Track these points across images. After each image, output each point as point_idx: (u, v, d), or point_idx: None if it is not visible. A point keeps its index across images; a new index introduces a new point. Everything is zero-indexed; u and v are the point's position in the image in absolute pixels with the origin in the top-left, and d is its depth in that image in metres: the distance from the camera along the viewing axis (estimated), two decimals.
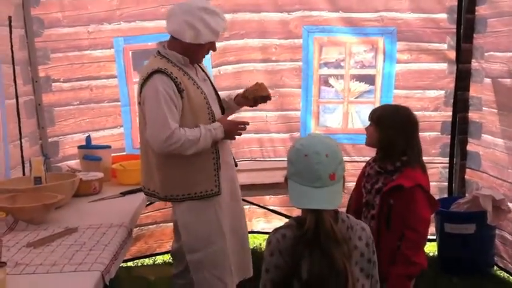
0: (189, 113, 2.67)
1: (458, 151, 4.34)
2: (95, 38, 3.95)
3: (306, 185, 1.65)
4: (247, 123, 2.87)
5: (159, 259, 4.40)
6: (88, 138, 3.66)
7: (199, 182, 2.74)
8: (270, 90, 4.35)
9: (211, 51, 2.84)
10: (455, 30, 4.19)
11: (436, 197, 4.18)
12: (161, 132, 2.58)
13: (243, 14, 4.24)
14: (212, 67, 4.17)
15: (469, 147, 4.30)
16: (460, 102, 4.27)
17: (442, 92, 4.31)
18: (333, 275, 1.62)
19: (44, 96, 3.84)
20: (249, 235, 4.49)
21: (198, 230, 2.79)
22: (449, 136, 4.34)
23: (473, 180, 4.26)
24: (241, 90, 3.05)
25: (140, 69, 2.86)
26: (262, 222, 4.73)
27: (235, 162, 3.07)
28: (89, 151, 3.57)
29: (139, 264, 4.30)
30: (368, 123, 2.55)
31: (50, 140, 3.89)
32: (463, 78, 4.23)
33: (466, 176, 4.34)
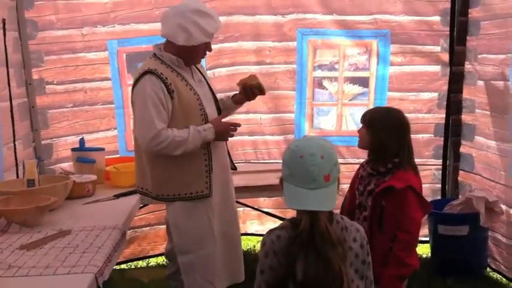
0: (180, 113, 2.69)
1: (452, 153, 4.36)
2: (89, 41, 3.95)
3: (301, 186, 1.65)
4: (239, 125, 2.88)
5: (153, 261, 4.39)
6: (82, 141, 3.65)
7: (190, 183, 2.75)
8: None
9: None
10: (448, 32, 4.21)
11: (429, 199, 4.19)
12: (147, 132, 2.61)
13: (237, 16, 4.25)
14: (206, 69, 4.16)
15: (462, 149, 4.32)
16: (454, 104, 4.29)
17: (436, 94, 4.33)
18: (328, 276, 1.62)
19: (37, 98, 3.84)
20: (243, 237, 4.53)
21: (189, 232, 2.79)
22: (443, 138, 4.36)
23: (467, 182, 4.27)
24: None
25: (134, 71, 2.88)
26: (256, 225, 4.73)
27: (233, 165, 3.07)
28: (83, 153, 3.56)
29: (132, 267, 4.29)
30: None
31: (43, 142, 3.89)
32: (456, 81, 4.25)
33: (459, 178, 4.35)
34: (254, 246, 4.58)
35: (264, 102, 4.39)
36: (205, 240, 2.80)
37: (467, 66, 4.20)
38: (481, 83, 4.04)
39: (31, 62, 3.78)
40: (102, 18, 3.95)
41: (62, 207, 2.89)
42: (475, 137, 4.15)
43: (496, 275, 3.95)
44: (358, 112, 4.22)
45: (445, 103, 4.31)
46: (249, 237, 4.71)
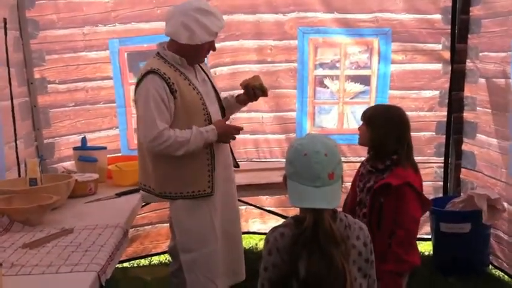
0: (183, 113, 2.69)
1: (453, 151, 4.36)
2: (90, 40, 3.95)
3: (306, 184, 1.65)
4: (241, 128, 2.89)
5: (155, 260, 4.40)
6: (83, 140, 3.65)
7: (193, 181, 2.76)
8: None
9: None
10: (449, 30, 4.20)
11: (431, 197, 4.21)
12: (149, 132, 2.63)
13: (238, 15, 4.25)
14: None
15: (464, 147, 4.32)
16: (455, 102, 4.29)
17: (437, 92, 4.33)
18: (331, 274, 1.62)
19: (39, 97, 3.84)
20: (245, 235, 4.54)
21: (192, 230, 2.80)
22: (444, 136, 4.36)
23: (469, 180, 4.27)
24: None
25: (138, 70, 2.90)
26: (258, 223, 4.73)
27: (236, 163, 3.07)
28: (85, 152, 3.56)
29: (135, 265, 4.30)
30: None
31: (45, 141, 3.89)
32: (457, 79, 4.25)
33: (461, 176, 4.36)
34: (256, 244, 4.58)
35: (265, 101, 4.38)
36: (207, 239, 2.81)
37: (469, 64, 4.20)
38: (482, 80, 4.04)
39: (32, 61, 3.78)
40: (103, 17, 3.96)
41: (64, 206, 2.90)
42: (477, 134, 4.15)
43: (498, 272, 3.95)
44: (360, 110, 4.16)
45: (446, 101, 4.31)
46: (251, 235, 4.71)
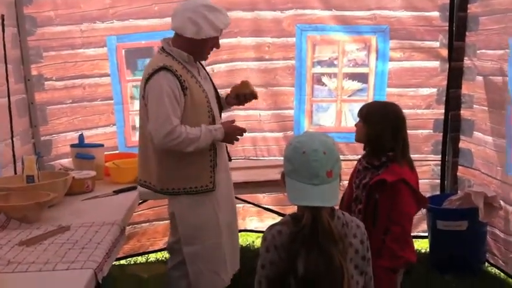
0: (190, 110, 2.74)
1: (451, 149, 4.36)
2: (88, 37, 3.94)
3: (304, 182, 1.66)
4: (245, 130, 2.97)
5: (152, 257, 4.40)
6: (81, 137, 3.65)
7: (196, 177, 2.82)
8: (263, 89, 4.39)
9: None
10: (447, 28, 4.21)
11: (428, 194, 4.21)
12: (163, 128, 2.65)
13: (236, 12, 4.24)
14: (206, 65, 4.16)
15: (461, 145, 4.32)
16: (453, 100, 4.29)
17: (435, 90, 4.33)
18: (329, 272, 1.63)
19: (36, 94, 3.83)
20: (242, 233, 4.54)
21: (195, 223, 2.85)
22: (442, 134, 4.36)
23: (466, 178, 4.28)
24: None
25: (146, 65, 2.95)
26: (256, 221, 4.73)
27: (229, 156, 3.12)
28: (82, 150, 3.56)
29: (132, 262, 4.30)
30: None
31: (42, 138, 3.88)
32: (455, 76, 4.25)
33: (458, 173, 4.36)
34: (253, 242, 4.59)
35: (263, 98, 4.39)
36: (211, 232, 2.87)
37: (466, 61, 4.20)
38: (479, 78, 4.04)
39: (30, 58, 3.77)
40: (101, 14, 3.95)
41: (61, 203, 2.89)
42: (474, 132, 4.15)
43: (494, 270, 3.96)
44: (358, 108, 4.17)
45: (444, 99, 4.31)
46: (248, 233, 4.71)
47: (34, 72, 3.81)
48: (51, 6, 3.81)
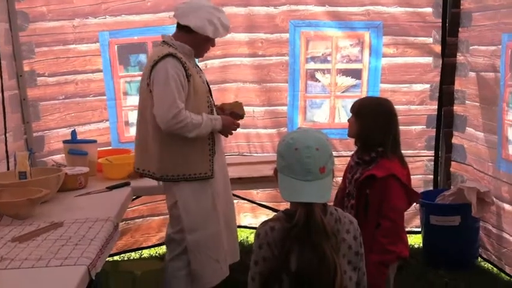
0: (192, 98, 2.85)
1: (444, 144, 4.38)
2: (80, 32, 3.92)
3: (297, 178, 1.66)
4: (239, 125, 3.09)
5: (146, 253, 4.39)
6: (73, 133, 3.64)
7: (195, 164, 2.91)
8: (256, 85, 4.40)
9: None
10: (440, 24, 4.22)
11: (422, 190, 4.23)
12: (169, 111, 2.74)
13: (229, 8, 4.22)
14: (199, 61, 4.15)
15: (454, 140, 4.34)
16: (446, 95, 4.31)
17: (428, 86, 4.35)
18: (323, 267, 1.63)
19: (28, 90, 3.81)
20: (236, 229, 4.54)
21: (198, 209, 2.94)
22: (435, 129, 4.38)
23: (459, 173, 4.30)
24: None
25: (150, 55, 3.04)
26: (250, 218, 4.73)
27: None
28: (75, 146, 3.55)
29: (125, 258, 4.29)
30: None
31: (35, 134, 3.87)
32: (448, 72, 4.27)
33: (451, 169, 4.38)
34: (247, 237, 4.59)
35: (256, 95, 4.39)
36: (210, 220, 2.96)
37: (459, 57, 4.21)
38: (472, 74, 4.06)
39: (22, 53, 3.75)
40: (94, 9, 3.93)
41: (54, 200, 2.88)
42: (467, 128, 4.17)
43: (487, 265, 3.98)
44: (351, 104, 4.22)
45: (437, 94, 4.33)
46: (242, 229, 4.71)
47: (26, 68, 3.79)
48: (43, 2, 3.79)
